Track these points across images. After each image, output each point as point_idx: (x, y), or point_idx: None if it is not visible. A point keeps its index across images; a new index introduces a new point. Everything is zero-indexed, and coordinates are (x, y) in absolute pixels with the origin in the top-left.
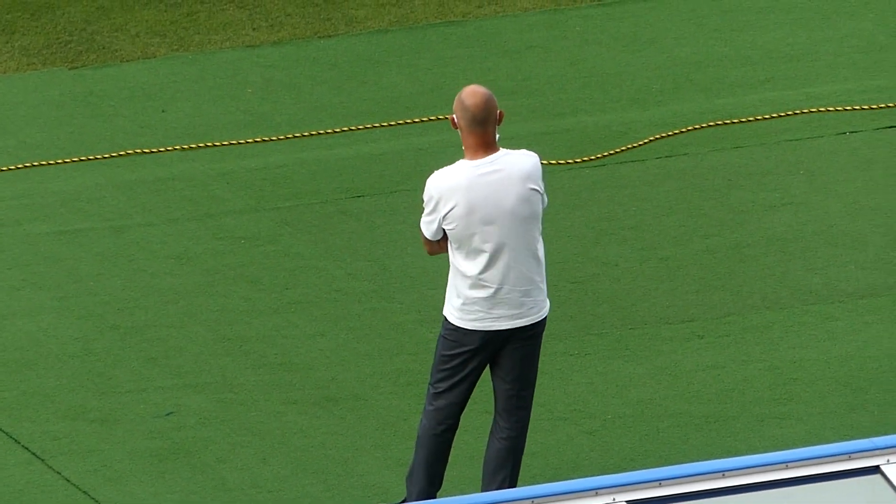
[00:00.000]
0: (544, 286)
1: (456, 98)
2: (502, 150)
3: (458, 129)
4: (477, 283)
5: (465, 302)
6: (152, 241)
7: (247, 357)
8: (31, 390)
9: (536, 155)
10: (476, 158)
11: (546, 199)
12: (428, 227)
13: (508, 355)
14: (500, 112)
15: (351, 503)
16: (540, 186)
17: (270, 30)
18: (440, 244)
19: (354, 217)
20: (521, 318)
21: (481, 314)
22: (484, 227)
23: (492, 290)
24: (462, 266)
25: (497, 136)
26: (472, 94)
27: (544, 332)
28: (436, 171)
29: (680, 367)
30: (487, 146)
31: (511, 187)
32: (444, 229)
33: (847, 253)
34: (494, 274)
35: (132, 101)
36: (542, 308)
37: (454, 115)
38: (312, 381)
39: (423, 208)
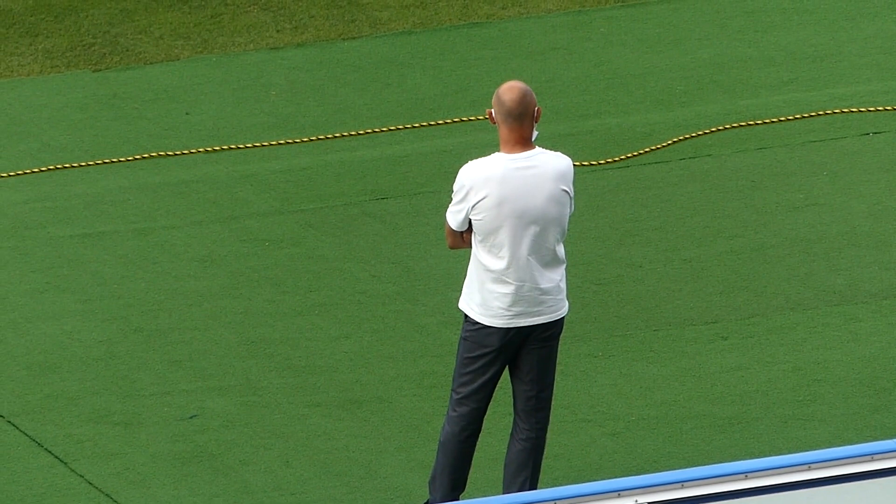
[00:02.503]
0: (564, 287)
1: (495, 92)
2: (538, 149)
3: (496, 124)
4: (499, 278)
5: (486, 297)
6: (176, 244)
7: (271, 359)
8: (54, 393)
9: (570, 159)
10: (512, 153)
11: (574, 205)
12: (455, 217)
13: (527, 356)
14: (538, 108)
15: None
16: (570, 189)
17: (294, 32)
18: (463, 237)
19: (378, 219)
20: (539, 316)
21: (501, 311)
22: (512, 221)
23: (513, 287)
24: (485, 260)
25: (536, 133)
26: (509, 88)
27: (567, 334)
28: (470, 161)
29: (704, 368)
30: (523, 142)
31: (543, 185)
32: (470, 221)
33: (870, 254)
34: (517, 271)
35: (156, 103)
36: (560, 308)
37: (492, 109)
38: (336, 384)
39: (452, 197)
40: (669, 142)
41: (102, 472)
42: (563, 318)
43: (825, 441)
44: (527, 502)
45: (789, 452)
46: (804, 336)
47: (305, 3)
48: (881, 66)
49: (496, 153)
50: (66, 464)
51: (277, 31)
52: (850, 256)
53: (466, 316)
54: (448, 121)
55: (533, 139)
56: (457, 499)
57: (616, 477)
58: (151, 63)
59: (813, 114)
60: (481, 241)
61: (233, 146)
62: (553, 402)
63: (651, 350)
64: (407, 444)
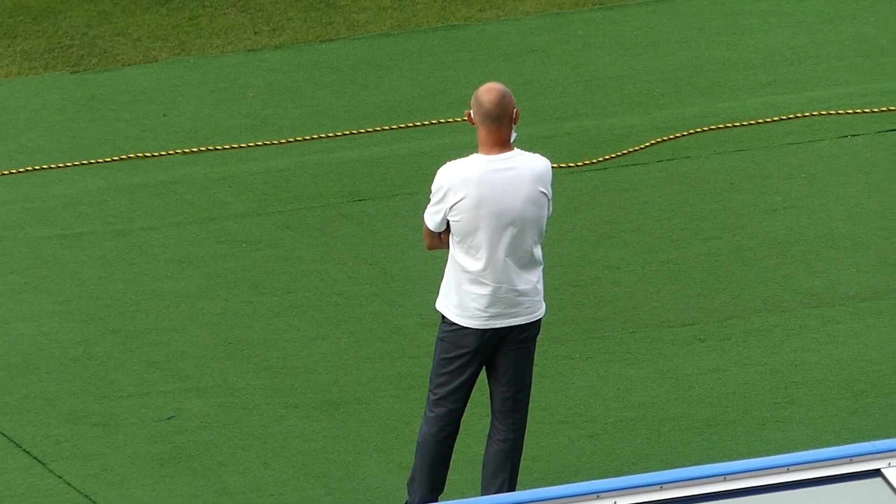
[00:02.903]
0: (541, 288)
1: (474, 94)
2: (516, 150)
3: (474, 125)
4: (476, 279)
5: (463, 298)
6: (154, 245)
7: (248, 361)
8: (32, 394)
9: (548, 161)
10: (490, 154)
11: (552, 207)
12: (432, 218)
13: (503, 358)
14: (517, 110)
15: None
16: (549, 191)
17: (272, 34)
18: (441, 238)
19: (356, 221)
20: (516, 318)
21: (478, 312)
22: (489, 222)
23: (490, 288)
24: (463, 261)
25: (514, 135)
26: (488, 90)
27: (545, 336)
28: (448, 162)
29: (681, 370)
30: (502, 143)
31: (521, 186)
32: (447, 221)
33: (848, 256)
34: (494, 272)
35: (134, 105)
36: (537, 309)
37: (471, 111)
38: (314, 385)
39: (430, 198)
40: (647, 144)
41: (81, 473)
42: (540, 319)
43: (803, 443)
44: None
45: (767, 454)
46: (782, 338)
47: (283, 5)
48: (859, 68)
49: (474, 154)
50: (44, 464)
51: (255, 34)
52: (827, 259)
53: (443, 317)
54: (426, 122)
55: (511, 141)
56: (435, 500)
57: (594, 478)
58: (129, 65)
59: (791, 116)
60: (459, 242)
61: (210, 147)
62: (531, 404)
63: (629, 352)
64: (385, 446)
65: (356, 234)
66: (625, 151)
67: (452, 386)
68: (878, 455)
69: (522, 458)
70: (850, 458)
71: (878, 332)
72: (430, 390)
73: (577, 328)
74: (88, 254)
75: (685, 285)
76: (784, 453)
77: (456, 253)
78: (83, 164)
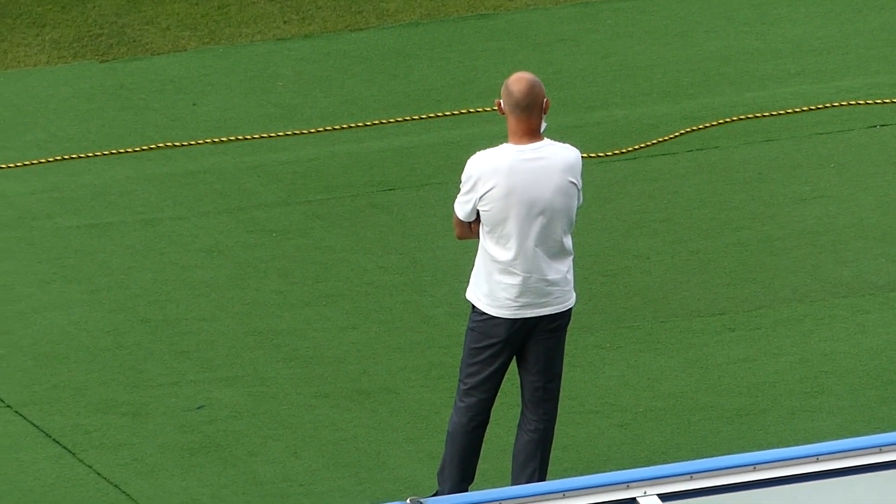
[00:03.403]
0: (571, 278)
1: (504, 83)
2: (546, 140)
3: (504, 115)
4: (507, 269)
5: (493, 288)
6: (183, 235)
7: (278, 350)
8: (61, 384)
9: (578, 151)
10: (520, 144)
11: (582, 197)
12: (462, 208)
13: (534, 347)
14: (547, 100)
15: (382, 497)
16: (578, 181)
17: (301, 23)
18: (471, 228)
19: (385, 210)
20: (546, 307)
21: (508, 301)
22: (519, 212)
23: (520, 278)
24: (493, 251)
25: (544, 124)
26: (518, 80)
27: (575, 325)
28: (478, 152)
29: (711, 360)
30: (532, 133)
31: (551, 177)
32: (477, 211)
33: (878, 246)
34: (524, 262)
35: (163, 94)
36: (567, 299)
37: (501, 100)
38: (344, 375)
39: (460, 188)
40: (676, 133)
41: (110, 463)
42: (570, 309)
43: (832, 433)
44: (536, 493)
45: (797, 444)
46: (811, 328)
47: None
48: (888, 58)
49: (504, 144)
50: (73, 454)
51: (284, 23)
52: (857, 248)
53: (473, 306)
54: (455, 112)
55: (541, 131)
56: (465, 489)
57: (624, 468)
58: (158, 54)
59: (820, 106)
60: (489, 232)
61: (240, 137)
62: (561, 394)
63: (658, 341)
64: (415, 435)
65: (386, 223)
66: (654, 141)
67: (482, 376)
68: None
69: (552, 447)
70: (880, 448)
71: None
72: (460, 380)
73: (607, 318)
74: (117, 243)
75: (715, 275)
76: (814, 443)
77: (486, 242)
78: (112, 153)
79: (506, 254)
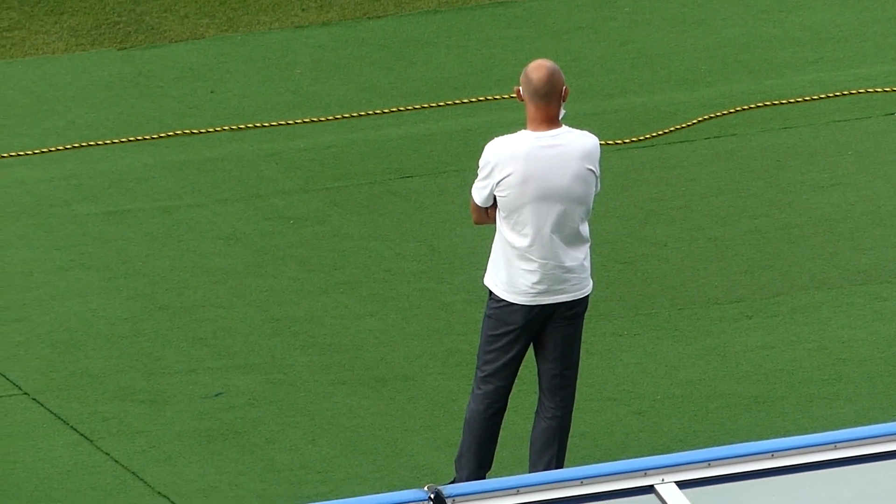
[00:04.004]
0: (588, 265)
1: (523, 70)
2: (564, 127)
3: (523, 102)
4: (524, 255)
5: (511, 274)
6: (201, 222)
7: (296, 337)
8: (79, 371)
9: (597, 138)
10: (538, 131)
11: (600, 184)
12: (479, 193)
13: (551, 335)
14: (566, 88)
15: (399, 484)
16: (596, 169)
17: (319, 10)
18: (488, 213)
19: (403, 197)
20: (563, 294)
21: (525, 288)
22: (536, 199)
23: (537, 265)
24: (510, 237)
25: (563, 112)
26: (537, 67)
27: (592, 313)
28: (496, 138)
29: (728, 347)
30: (550, 120)
31: (569, 164)
32: (494, 197)
33: (895, 233)
34: (541, 248)
35: (181, 81)
36: (584, 286)
37: (520, 87)
38: (361, 362)
39: (478, 173)
40: (694, 121)
41: (128, 450)
42: (587, 296)
43: (851, 420)
44: (553, 481)
45: (815, 431)
46: (829, 315)
47: None
48: None
49: (522, 131)
50: (91, 441)
51: (302, 10)
52: (875, 236)
53: (491, 293)
54: (473, 99)
55: (560, 118)
56: (483, 477)
57: (642, 456)
58: (176, 41)
59: (838, 93)
60: (505, 218)
61: (258, 124)
62: (578, 381)
63: (676, 329)
64: (433, 423)
65: (403, 210)
66: (672, 128)
67: (500, 363)
68: None
69: (570, 435)
70: None
71: None
72: (477, 367)
73: (625, 305)
74: (136, 231)
75: (732, 262)
76: (831, 430)
77: (503, 229)
78: (130, 140)
79: (522, 240)
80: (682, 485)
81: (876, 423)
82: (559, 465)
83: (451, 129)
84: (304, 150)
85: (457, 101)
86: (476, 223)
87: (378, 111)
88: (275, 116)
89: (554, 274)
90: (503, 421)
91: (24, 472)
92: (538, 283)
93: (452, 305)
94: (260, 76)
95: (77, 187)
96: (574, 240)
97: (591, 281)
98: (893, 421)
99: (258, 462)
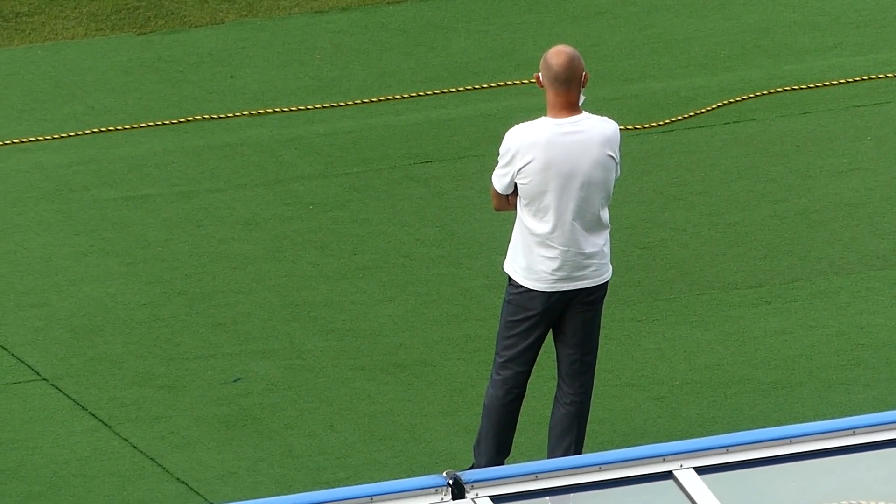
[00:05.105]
0: (608, 251)
1: (543, 56)
2: (585, 114)
3: (543, 88)
4: (544, 242)
5: (531, 261)
6: (220, 207)
7: (315, 323)
8: (98, 356)
9: (616, 124)
10: (558, 117)
11: (620, 170)
12: (500, 180)
13: (570, 320)
14: (586, 74)
15: (418, 470)
16: (616, 155)
17: None
18: (509, 200)
19: (423, 183)
20: (583, 281)
21: (545, 274)
22: (557, 185)
23: (558, 251)
24: (530, 224)
25: (582, 98)
26: (557, 53)
27: (611, 298)
28: (516, 125)
29: (747, 332)
30: (570, 106)
31: (589, 150)
32: (515, 184)
33: None
34: (562, 235)
35: (200, 66)
36: (604, 272)
37: (540, 73)
38: (380, 347)
39: (498, 160)
40: (714, 106)
41: (146, 436)
42: (606, 282)
43: (869, 406)
44: (572, 466)
45: (833, 417)
46: (848, 300)
47: None
48: None
49: (543, 117)
50: (109, 427)
51: None
52: (894, 221)
53: (510, 279)
54: (493, 84)
55: (580, 104)
56: (502, 463)
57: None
58: (196, 26)
59: (857, 79)
60: (526, 205)
61: (277, 109)
62: (597, 367)
63: (695, 314)
64: (451, 408)
65: (423, 196)
66: (691, 113)
67: (519, 348)
68: None
69: (589, 420)
70: None
71: None
72: (496, 353)
73: (644, 290)
74: (155, 216)
75: (751, 247)
76: (850, 416)
77: (523, 215)
78: (150, 125)
79: (543, 227)
80: (700, 470)
81: (895, 408)
82: (578, 451)
83: (470, 115)
84: (324, 135)
85: (476, 87)
86: (496, 210)
87: (397, 96)
88: (294, 101)
89: (574, 261)
90: (522, 407)
91: (42, 458)
92: (558, 269)
93: (471, 291)
94: (279, 61)
95: (96, 172)
96: (594, 226)
97: (610, 267)
98: None
99: (277, 448)
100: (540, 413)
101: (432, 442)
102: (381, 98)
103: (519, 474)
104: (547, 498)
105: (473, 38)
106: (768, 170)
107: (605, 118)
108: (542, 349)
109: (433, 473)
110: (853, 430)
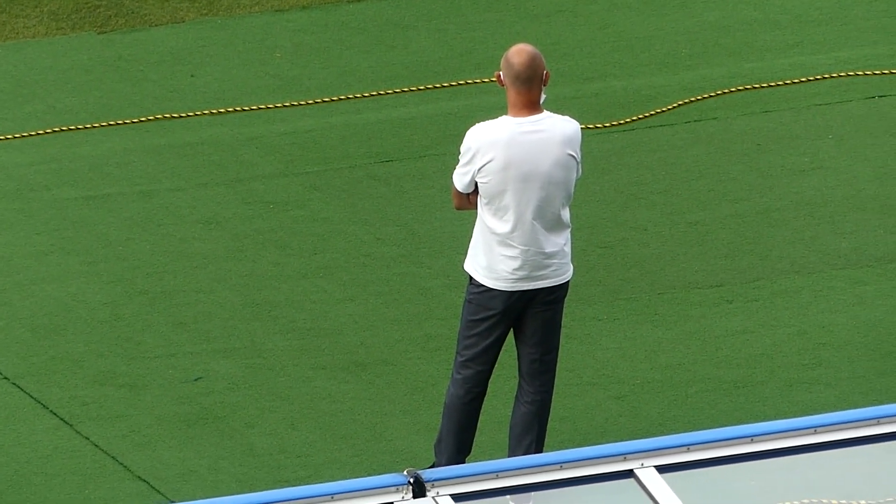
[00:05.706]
0: (569, 251)
1: (504, 55)
2: (546, 113)
3: (504, 87)
4: (504, 241)
5: (492, 260)
6: (181, 206)
7: (275, 322)
8: (59, 355)
9: (578, 123)
10: (519, 116)
11: (581, 169)
12: (461, 179)
13: (531, 319)
14: (547, 73)
15: (379, 468)
16: (578, 154)
17: None
18: (469, 199)
19: (383, 182)
20: (543, 280)
21: (506, 274)
22: (517, 185)
23: (518, 251)
24: (491, 223)
25: (543, 96)
26: (518, 52)
27: (572, 297)
28: (477, 124)
29: (709, 331)
30: (531, 105)
31: (550, 149)
32: (476, 183)
33: (876, 217)
34: (522, 234)
35: (161, 65)
36: (565, 272)
37: (501, 72)
38: (341, 346)
39: (459, 159)
40: (674, 105)
41: (108, 434)
42: (567, 281)
43: (831, 405)
44: (532, 465)
45: (795, 416)
46: (809, 299)
47: None
48: (887, 29)
49: (503, 116)
50: (71, 426)
51: None
52: (855, 220)
53: (471, 278)
54: (453, 83)
55: (541, 103)
56: (462, 461)
57: (622, 440)
58: (156, 25)
59: (819, 77)
60: (487, 204)
61: (238, 108)
62: (558, 366)
63: (656, 313)
64: (412, 407)
65: (383, 195)
66: (652, 112)
67: (480, 348)
68: None
69: (549, 419)
70: (878, 420)
71: None
72: (457, 352)
73: (605, 290)
74: (115, 215)
75: (712, 246)
76: (811, 415)
77: (484, 214)
78: (110, 124)
79: (504, 226)
80: (661, 469)
81: (856, 407)
82: (539, 450)
83: (431, 113)
84: (284, 134)
85: (437, 86)
86: (457, 209)
87: (358, 95)
88: (255, 100)
89: (535, 260)
90: (483, 406)
91: (3, 457)
92: (519, 269)
93: (432, 290)
94: (240, 60)
95: (57, 171)
96: (555, 225)
97: (571, 266)
98: (873, 405)
99: (237, 446)
100: (501, 412)
101: (393, 441)
102: (342, 97)
103: (480, 473)
104: (508, 497)
105: (434, 37)
106: (729, 169)
107: (567, 117)
108: (503, 348)
109: (394, 472)
110: (814, 428)
